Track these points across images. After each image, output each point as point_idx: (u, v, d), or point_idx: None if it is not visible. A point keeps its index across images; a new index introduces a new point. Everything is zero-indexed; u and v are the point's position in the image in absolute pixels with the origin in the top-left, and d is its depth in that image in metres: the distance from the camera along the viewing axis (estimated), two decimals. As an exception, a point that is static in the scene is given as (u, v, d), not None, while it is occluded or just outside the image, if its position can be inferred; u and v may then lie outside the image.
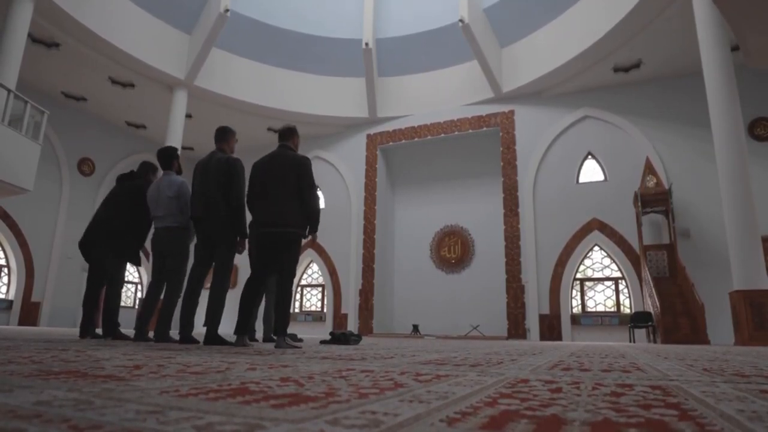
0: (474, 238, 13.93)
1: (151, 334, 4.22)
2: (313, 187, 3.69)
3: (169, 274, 4.18)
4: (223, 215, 3.83)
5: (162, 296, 4.26)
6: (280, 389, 1.03)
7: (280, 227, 3.59)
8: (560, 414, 0.80)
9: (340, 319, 13.84)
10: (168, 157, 4.42)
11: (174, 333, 4.27)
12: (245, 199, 3.86)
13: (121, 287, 4.61)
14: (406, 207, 15.08)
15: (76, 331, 7.88)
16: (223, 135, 4.14)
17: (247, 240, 4.01)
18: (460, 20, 11.67)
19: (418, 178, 14.97)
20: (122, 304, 4.70)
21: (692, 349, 4.97)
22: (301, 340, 5.59)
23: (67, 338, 4.19)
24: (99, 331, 4.78)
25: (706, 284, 9.65)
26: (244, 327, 3.61)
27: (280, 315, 3.62)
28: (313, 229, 3.75)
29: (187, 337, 3.86)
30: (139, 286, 14.87)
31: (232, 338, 4.00)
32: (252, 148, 16.34)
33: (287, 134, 3.89)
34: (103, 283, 4.53)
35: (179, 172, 4.44)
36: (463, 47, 12.59)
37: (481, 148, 13.85)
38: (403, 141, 14.26)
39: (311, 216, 3.68)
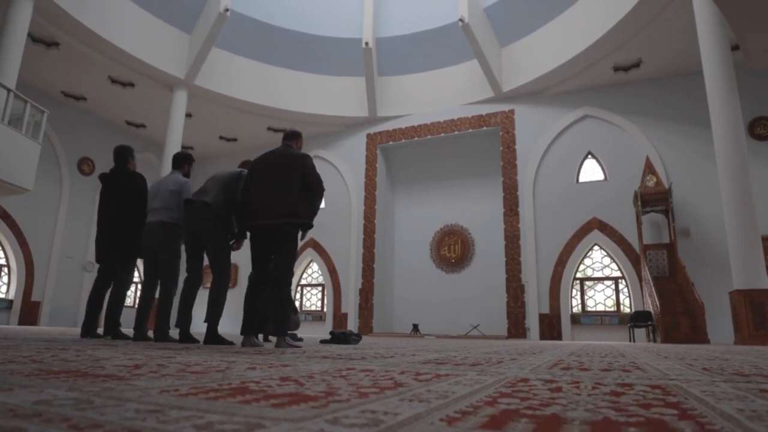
0: (474, 237, 13.93)
1: (150, 333, 4.22)
2: (320, 183, 3.65)
3: (164, 272, 4.16)
4: (220, 214, 3.83)
5: (158, 295, 4.24)
6: (280, 388, 1.03)
7: (278, 218, 3.48)
8: (560, 413, 0.80)
9: (340, 318, 13.85)
10: (182, 159, 4.50)
11: (174, 332, 4.27)
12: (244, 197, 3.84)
13: (128, 288, 4.59)
14: (406, 206, 15.08)
15: (76, 330, 7.89)
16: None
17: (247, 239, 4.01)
18: (460, 20, 11.67)
19: (418, 177, 14.97)
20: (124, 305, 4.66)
21: (692, 349, 4.98)
22: (301, 340, 5.59)
23: (67, 338, 4.19)
24: (100, 331, 4.78)
25: (706, 283, 9.65)
26: (250, 327, 3.60)
27: (281, 315, 3.60)
28: (308, 227, 3.70)
29: (186, 336, 3.86)
30: (139, 285, 14.87)
31: (234, 338, 4.00)
32: (252, 147, 16.37)
33: (292, 136, 3.89)
34: (109, 284, 4.53)
35: (187, 176, 4.47)
36: (463, 47, 12.59)
37: (481, 147, 13.85)
38: (403, 140, 14.26)
39: (312, 211, 3.65)
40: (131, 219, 4.41)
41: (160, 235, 4.15)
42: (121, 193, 4.47)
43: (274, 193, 3.53)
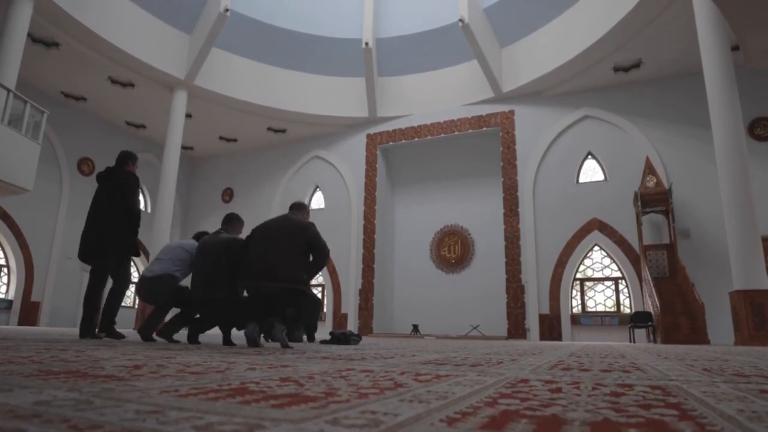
0: (474, 238, 13.93)
1: (154, 336, 4.23)
2: (325, 249, 3.65)
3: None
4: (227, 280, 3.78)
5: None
6: (280, 389, 1.03)
7: (278, 281, 3.39)
8: (560, 414, 0.80)
9: (340, 318, 13.84)
10: (201, 235, 4.57)
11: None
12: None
13: (128, 286, 4.55)
14: (406, 207, 15.08)
15: (76, 331, 7.87)
16: (228, 221, 4.32)
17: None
18: (460, 20, 11.68)
19: (418, 178, 14.97)
20: (122, 303, 4.64)
21: (692, 349, 4.97)
22: (300, 341, 5.58)
23: (66, 338, 4.19)
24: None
25: (706, 284, 9.65)
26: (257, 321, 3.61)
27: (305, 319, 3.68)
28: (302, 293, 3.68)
29: (193, 339, 3.91)
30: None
31: (238, 339, 4.01)
32: (252, 147, 16.40)
33: (299, 206, 3.95)
34: (104, 284, 4.49)
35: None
36: (463, 47, 12.59)
37: (481, 148, 13.86)
38: (403, 141, 14.26)
39: (311, 278, 3.70)
40: (123, 217, 4.36)
41: (154, 288, 4.15)
42: (114, 191, 4.44)
43: (276, 257, 3.45)
